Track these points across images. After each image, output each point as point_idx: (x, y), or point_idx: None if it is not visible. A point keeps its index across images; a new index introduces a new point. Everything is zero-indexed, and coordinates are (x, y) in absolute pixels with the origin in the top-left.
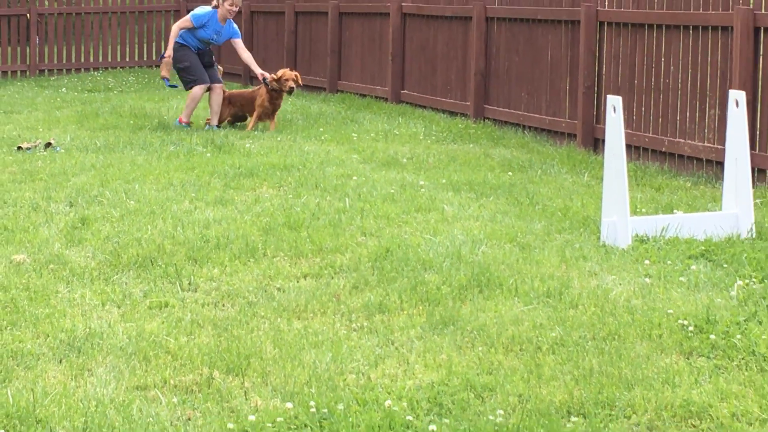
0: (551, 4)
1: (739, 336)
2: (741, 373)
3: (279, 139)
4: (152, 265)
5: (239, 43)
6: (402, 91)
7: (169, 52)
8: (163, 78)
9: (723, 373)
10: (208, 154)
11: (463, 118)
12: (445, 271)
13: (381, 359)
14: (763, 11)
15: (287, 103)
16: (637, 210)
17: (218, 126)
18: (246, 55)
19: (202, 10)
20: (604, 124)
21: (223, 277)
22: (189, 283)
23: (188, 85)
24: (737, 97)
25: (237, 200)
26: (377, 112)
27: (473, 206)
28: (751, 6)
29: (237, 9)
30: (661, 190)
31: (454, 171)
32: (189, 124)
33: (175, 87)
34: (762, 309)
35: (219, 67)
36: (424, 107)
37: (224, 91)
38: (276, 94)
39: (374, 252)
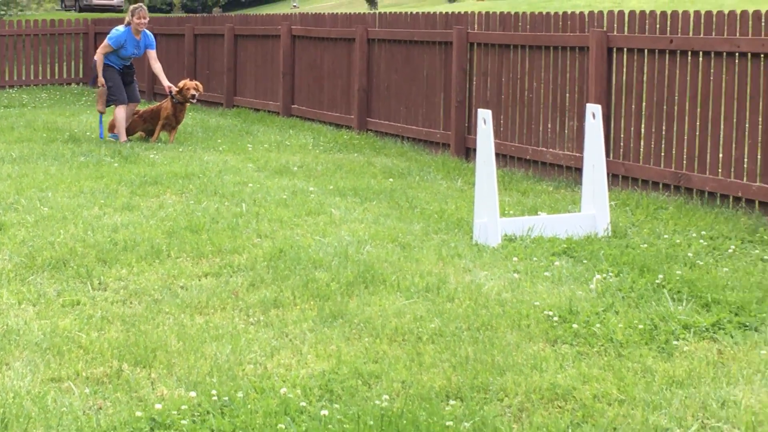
0: (426, 27)
1: (598, 325)
2: (601, 358)
3: (181, 150)
4: (65, 266)
5: (152, 54)
6: (292, 106)
7: (101, 80)
8: (100, 112)
9: (585, 359)
10: (116, 164)
11: (347, 130)
12: (334, 269)
13: (276, 350)
14: (615, 33)
15: (188, 117)
16: (506, 212)
17: (128, 140)
18: (157, 66)
19: (117, 31)
20: (475, 134)
21: (131, 277)
22: (99, 283)
23: (108, 104)
24: (594, 110)
25: (143, 206)
26: (270, 124)
27: (358, 210)
28: (605, 28)
29: (146, 21)
30: (527, 194)
31: (340, 178)
32: (128, 140)
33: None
34: (618, 300)
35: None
36: (313, 120)
37: (138, 110)
38: (180, 106)
39: (269, 252)
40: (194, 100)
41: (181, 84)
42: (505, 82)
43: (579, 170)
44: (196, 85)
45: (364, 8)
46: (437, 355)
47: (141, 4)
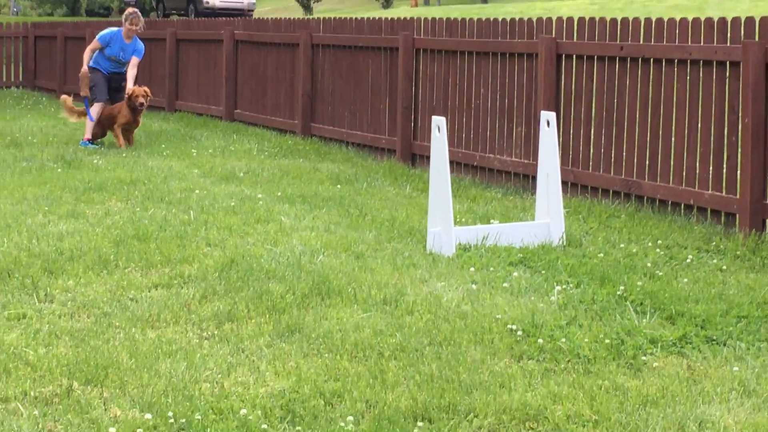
0: (372, 32)
1: (563, 339)
2: (569, 375)
3: (124, 155)
4: (9, 277)
5: (134, 61)
6: (235, 111)
7: (84, 68)
8: (84, 97)
9: (553, 376)
10: (59, 170)
11: (292, 135)
12: (288, 281)
13: (233, 367)
14: (564, 39)
15: None
16: (458, 220)
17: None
18: (132, 72)
19: (108, 30)
20: (421, 140)
21: (78, 288)
22: (45, 295)
23: (93, 101)
24: (548, 118)
25: (88, 213)
26: (213, 129)
27: (308, 217)
28: (554, 35)
29: (137, 28)
30: (477, 201)
31: (287, 184)
32: (91, 140)
33: (86, 105)
34: (581, 313)
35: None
36: (256, 125)
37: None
38: (136, 111)
39: (220, 262)
40: (143, 108)
41: (129, 91)
42: (452, 88)
43: (527, 177)
44: (145, 91)
45: (299, 14)
46: (400, 372)
47: (136, 10)
